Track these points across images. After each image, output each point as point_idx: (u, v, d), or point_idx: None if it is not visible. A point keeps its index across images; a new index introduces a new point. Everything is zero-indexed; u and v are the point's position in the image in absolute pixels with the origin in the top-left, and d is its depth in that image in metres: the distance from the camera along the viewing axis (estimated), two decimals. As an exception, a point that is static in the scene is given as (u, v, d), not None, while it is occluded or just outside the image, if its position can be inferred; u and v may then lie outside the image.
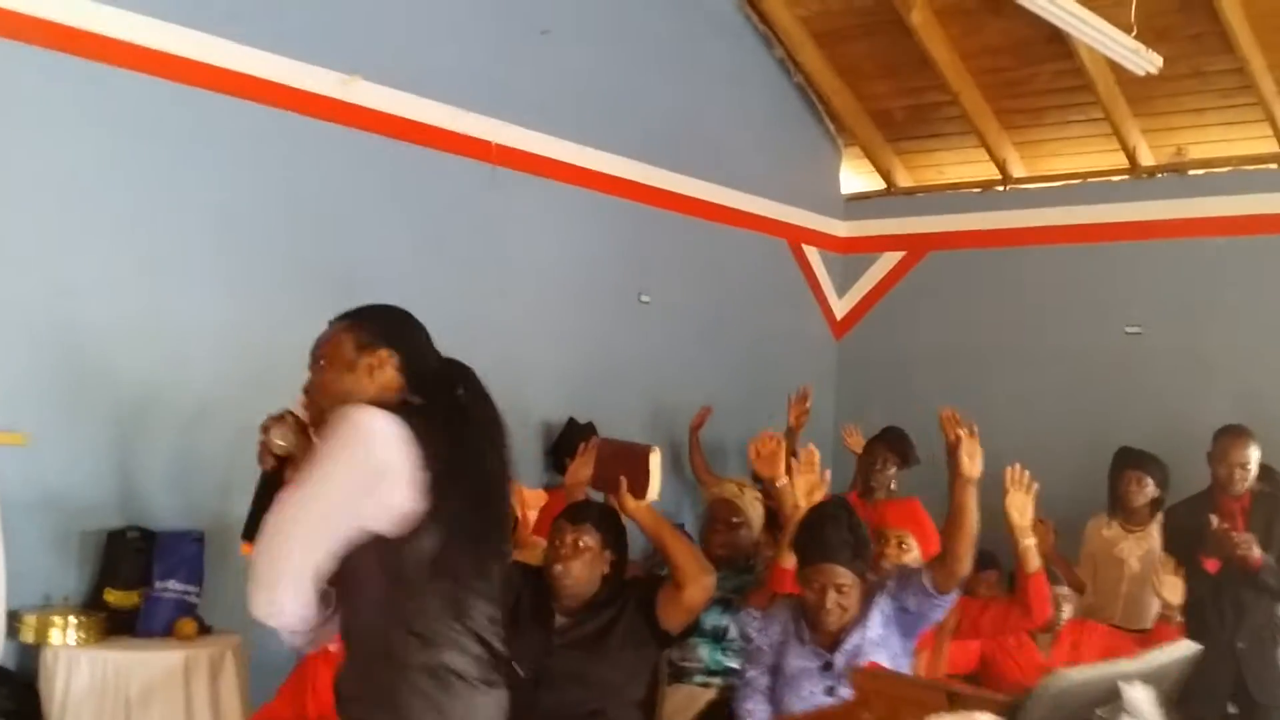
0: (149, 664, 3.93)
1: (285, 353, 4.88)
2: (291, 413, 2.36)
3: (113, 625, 4.13)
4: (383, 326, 2.42)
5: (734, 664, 3.58)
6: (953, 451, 3.23)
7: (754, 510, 4.01)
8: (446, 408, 2.30)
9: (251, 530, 2.25)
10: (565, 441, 5.85)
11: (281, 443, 2.33)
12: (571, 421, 5.96)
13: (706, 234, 7.00)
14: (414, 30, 5.52)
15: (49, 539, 4.23)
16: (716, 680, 3.63)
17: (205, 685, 3.99)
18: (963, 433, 3.23)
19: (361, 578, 2.12)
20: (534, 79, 6.01)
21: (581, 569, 3.10)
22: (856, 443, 5.99)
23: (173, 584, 4.22)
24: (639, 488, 3.03)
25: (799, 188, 7.68)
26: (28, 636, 3.99)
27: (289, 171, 5.07)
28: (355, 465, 2.12)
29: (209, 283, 4.79)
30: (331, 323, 2.47)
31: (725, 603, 3.62)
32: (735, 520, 3.97)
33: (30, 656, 4.02)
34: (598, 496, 3.47)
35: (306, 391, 2.38)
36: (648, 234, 6.67)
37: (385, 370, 2.34)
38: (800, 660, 3.06)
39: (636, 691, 3.09)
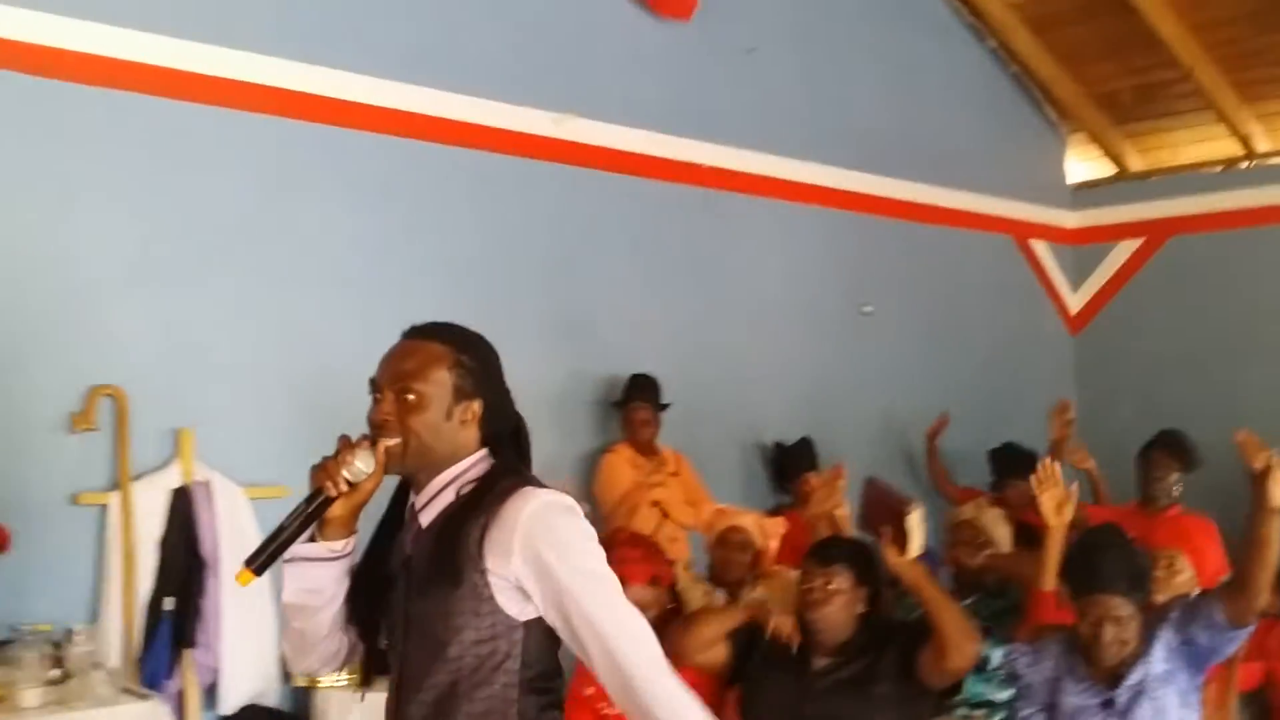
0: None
1: (520, 389, 5.08)
2: (377, 441, 1.98)
3: (377, 665, 4.27)
4: (482, 370, 2.07)
5: (997, 696, 3.43)
6: (1259, 480, 2.95)
7: (998, 529, 3.84)
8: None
9: (264, 560, 1.93)
10: (791, 461, 5.78)
11: (363, 468, 1.95)
12: (801, 441, 5.87)
13: (927, 238, 6.80)
14: (620, 62, 5.57)
15: (315, 585, 4.43)
16: (979, 713, 3.48)
17: (466, 724, 4.08)
18: (1273, 459, 2.94)
19: None
20: (742, 98, 5.98)
21: (835, 613, 3.02)
22: (1082, 459, 5.59)
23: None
24: (900, 541, 2.94)
25: (1022, 181, 7.38)
26: (300, 680, 4.19)
27: (509, 214, 5.19)
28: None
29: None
30: (418, 340, 2.08)
31: (984, 630, 3.47)
32: (980, 542, 3.81)
33: (303, 699, 4.23)
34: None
35: (381, 425, 1.99)
36: (866, 243, 6.53)
37: (471, 424, 2.04)
38: (1077, 698, 2.90)
39: (902, 734, 3.00)
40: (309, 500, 1.96)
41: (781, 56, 6.14)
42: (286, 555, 1.96)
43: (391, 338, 5.05)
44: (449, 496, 2.01)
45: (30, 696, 3.38)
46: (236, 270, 4.39)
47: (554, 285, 5.31)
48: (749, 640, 3.13)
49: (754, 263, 6.06)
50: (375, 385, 2.04)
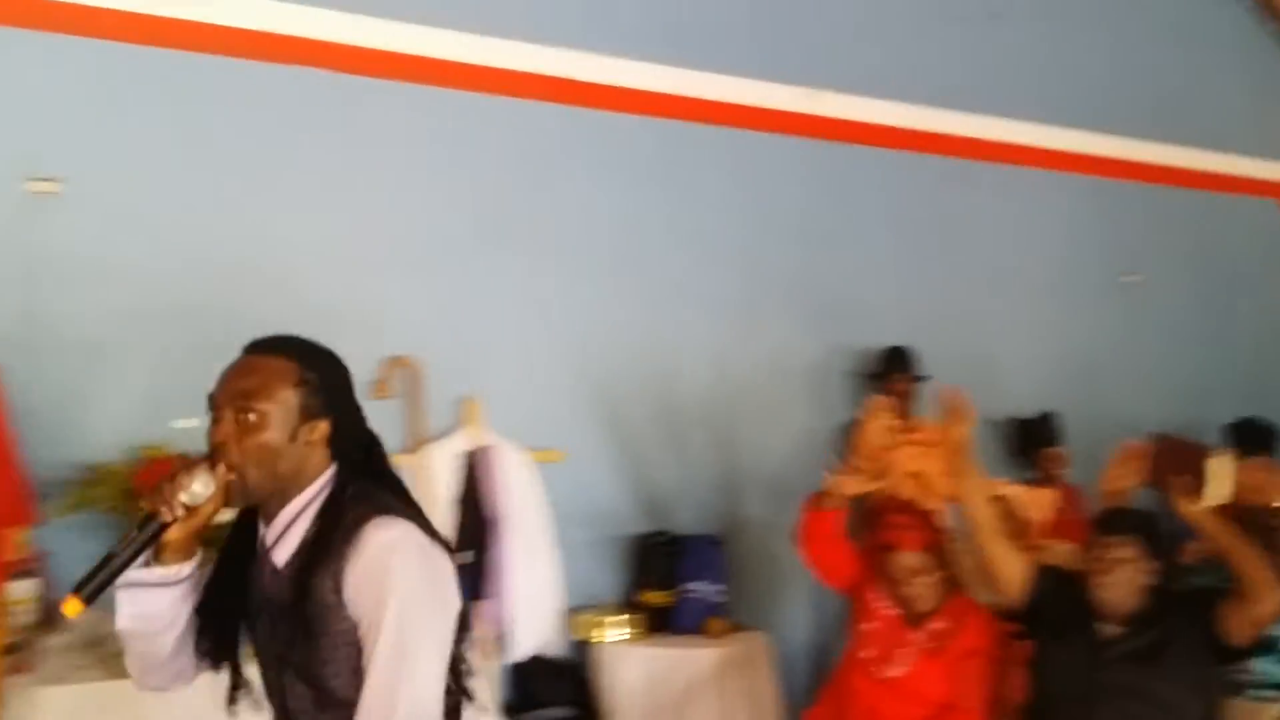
0: (690, 659, 4.24)
1: (771, 369, 5.21)
2: (218, 464, 1.85)
3: (652, 623, 4.49)
4: (330, 386, 1.94)
5: (1289, 676, 3.35)
6: None
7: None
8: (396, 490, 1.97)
9: (94, 588, 1.80)
10: (1032, 436, 5.68)
11: (201, 491, 1.83)
12: (1042, 415, 5.76)
13: (1190, 204, 6.54)
14: (868, 34, 5.57)
15: (591, 544, 4.68)
16: (1269, 693, 3.40)
17: (739, 680, 4.25)
18: None
19: None
20: (989, 64, 5.88)
21: (1121, 586, 3.00)
22: None
23: (701, 585, 4.52)
24: (1196, 489, 2.90)
25: (1284, 142, 6.99)
26: (580, 633, 4.43)
27: (764, 189, 5.29)
28: (448, 614, 1.87)
29: (702, 307, 5.08)
30: (261, 355, 1.95)
31: (1276, 611, 3.38)
32: (1275, 524, 3.69)
33: (584, 652, 4.47)
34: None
35: (218, 447, 1.87)
36: (1125, 210, 6.33)
37: (318, 445, 1.91)
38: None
39: (1198, 708, 2.96)
40: (143, 525, 1.85)
41: (1027, 20, 6.01)
42: (120, 581, 1.86)
43: (651, 311, 5.28)
44: (302, 526, 1.90)
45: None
46: (515, 248, 4.65)
47: (808, 259, 5.37)
48: (1047, 592, 3.14)
49: (1006, 232, 5.97)
50: (213, 403, 1.90)
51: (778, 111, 5.30)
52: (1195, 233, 6.60)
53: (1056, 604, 3.14)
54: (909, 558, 3.25)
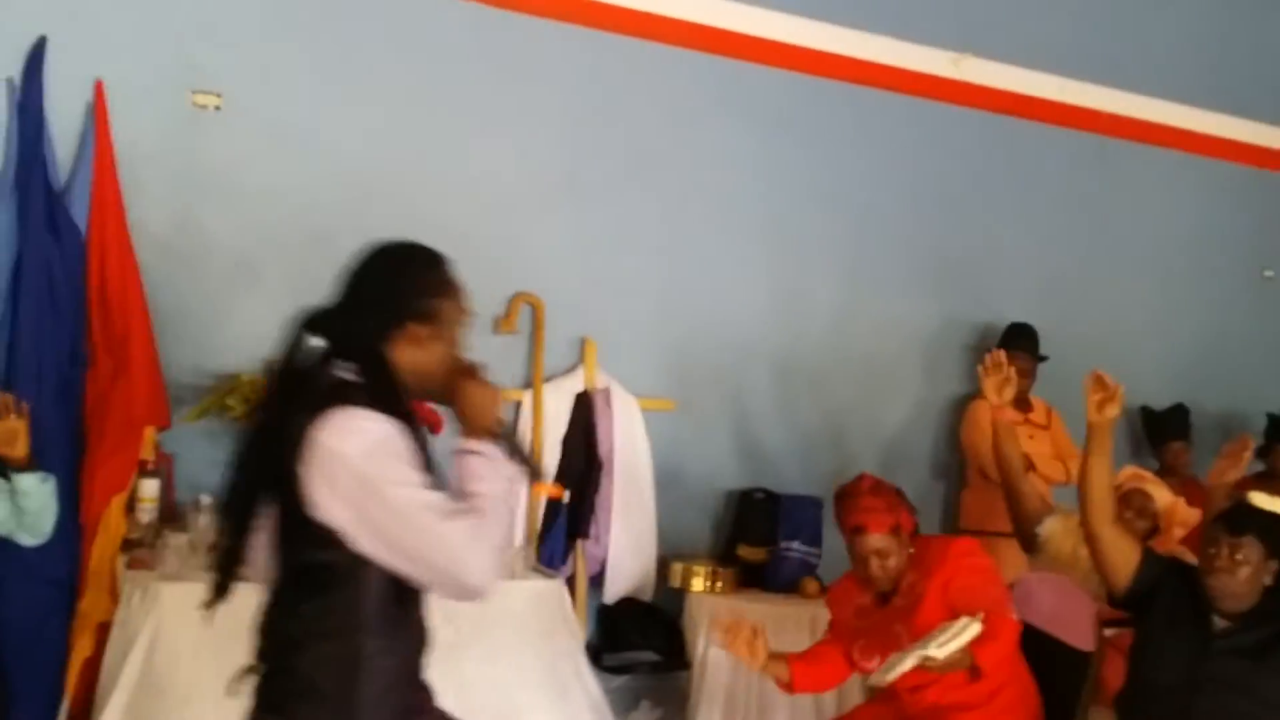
0: (780, 617, 4.25)
1: (890, 336, 5.15)
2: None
3: (744, 578, 4.53)
4: None
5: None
6: None
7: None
8: None
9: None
10: (1161, 428, 5.55)
11: None
12: (1175, 407, 5.61)
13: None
14: (1021, 2, 5.42)
15: (692, 496, 4.72)
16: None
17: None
18: None
19: None
20: (1146, 41, 5.70)
21: (1239, 584, 2.92)
22: None
23: (797, 545, 4.55)
24: None
25: None
26: (675, 582, 4.49)
27: (900, 154, 5.22)
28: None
29: (827, 268, 5.06)
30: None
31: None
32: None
33: (676, 600, 4.52)
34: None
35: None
36: (1272, 202, 6.09)
37: None
38: None
39: (1304, 709, 2.89)
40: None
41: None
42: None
43: (775, 267, 5.25)
44: None
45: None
46: (642, 193, 4.68)
47: (937, 228, 5.30)
48: (1158, 582, 3.09)
49: (1145, 216, 5.80)
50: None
51: (920, 74, 5.22)
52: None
53: (1169, 594, 3.08)
54: (875, 539, 3.20)
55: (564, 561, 4.31)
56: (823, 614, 4.30)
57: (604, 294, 4.59)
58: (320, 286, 4.01)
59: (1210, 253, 5.94)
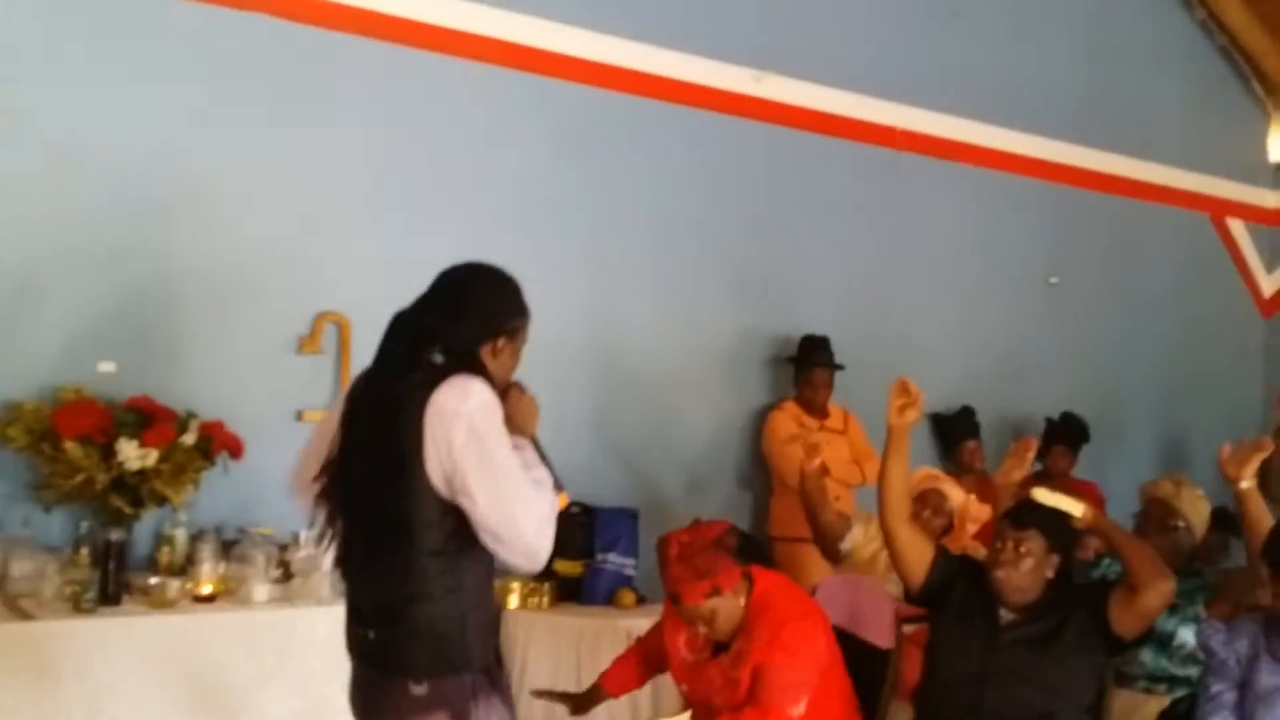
0: (597, 630, 4.27)
1: (702, 342, 5.24)
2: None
3: (561, 592, 4.53)
4: None
5: (1179, 671, 3.45)
6: None
7: (1194, 511, 3.81)
8: None
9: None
10: (952, 429, 5.81)
11: None
12: (962, 409, 5.89)
13: (1120, 211, 6.70)
14: (821, 21, 5.62)
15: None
16: (1160, 687, 3.51)
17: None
18: None
19: None
20: (941, 61, 5.96)
21: (1024, 576, 3.08)
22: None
23: (613, 557, 4.57)
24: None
25: (1222, 157, 7.17)
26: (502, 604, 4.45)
27: (705, 169, 5.33)
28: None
29: (635, 282, 5.11)
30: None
31: (1171, 607, 3.48)
32: (1171, 523, 3.79)
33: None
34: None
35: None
36: (1057, 213, 6.46)
37: None
38: (1274, 677, 2.91)
39: (1085, 696, 3.04)
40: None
41: (984, 20, 6.10)
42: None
43: (588, 282, 5.25)
44: None
45: (259, 592, 3.69)
46: (450, 209, 4.63)
47: (740, 239, 5.43)
48: (951, 579, 3.21)
49: (939, 228, 6.06)
50: None
51: (723, 91, 5.34)
52: (1125, 240, 6.76)
53: (960, 590, 3.22)
54: (694, 610, 2.99)
55: (378, 584, 4.22)
56: (639, 626, 4.35)
57: (414, 311, 4.52)
58: (113, 307, 3.91)
59: (1000, 261, 6.25)
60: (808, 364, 5.32)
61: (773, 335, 5.50)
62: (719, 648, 3.08)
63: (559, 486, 2.37)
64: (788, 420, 5.24)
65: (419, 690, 2.30)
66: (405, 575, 2.29)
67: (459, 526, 2.26)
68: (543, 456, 2.40)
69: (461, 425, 2.22)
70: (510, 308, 2.47)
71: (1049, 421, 5.92)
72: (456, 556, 2.28)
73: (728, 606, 3.00)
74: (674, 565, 3.00)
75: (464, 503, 2.23)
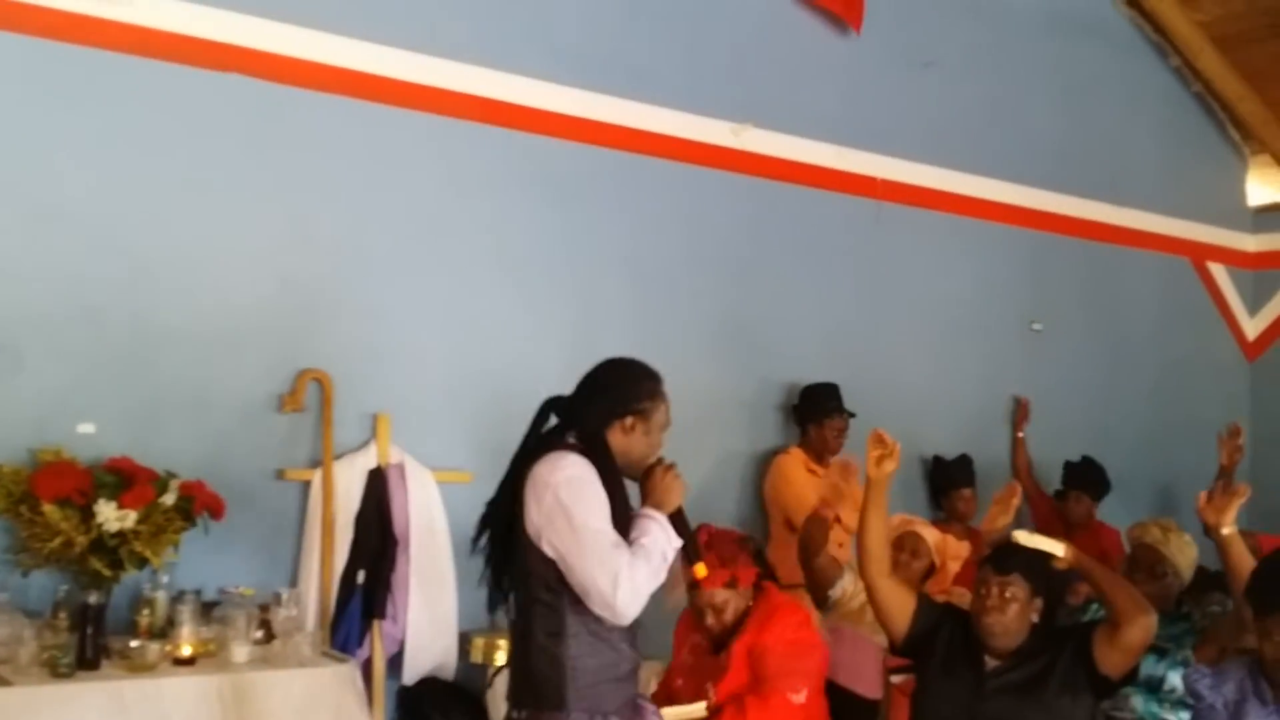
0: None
1: (693, 397, 5.22)
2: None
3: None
4: None
5: (1170, 716, 3.43)
6: None
7: (1183, 556, 3.81)
8: None
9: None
10: (948, 477, 5.79)
11: None
12: (960, 457, 5.87)
13: (1101, 256, 6.73)
14: (798, 74, 5.67)
15: (492, 567, 4.65)
16: (1153, 732, 3.49)
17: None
18: None
19: None
20: (917, 112, 6.02)
21: (1009, 620, 3.07)
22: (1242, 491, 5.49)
23: (600, 612, 4.52)
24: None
25: (1201, 202, 7.23)
26: (476, 657, 4.41)
27: (687, 220, 5.34)
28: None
29: (620, 334, 5.06)
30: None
31: (1160, 651, 3.47)
32: (1160, 570, 3.78)
33: (478, 675, 4.44)
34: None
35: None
36: (1038, 260, 6.49)
37: None
38: (1262, 721, 2.89)
39: (1075, 741, 3.03)
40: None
41: (959, 71, 6.16)
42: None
43: (569, 334, 5.27)
44: None
45: (240, 653, 3.64)
46: (432, 266, 4.64)
47: (723, 289, 5.43)
48: (934, 628, 3.19)
49: (922, 277, 6.08)
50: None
51: (702, 144, 5.37)
52: (1107, 285, 6.79)
53: (945, 638, 3.20)
54: (709, 594, 3.36)
55: (360, 644, 4.18)
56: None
57: (395, 367, 4.52)
58: (92, 368, 3.90)
59: (983, 308, 6.27)
60: (822, 412, 5.30)
61: (764, 382, 5.49)
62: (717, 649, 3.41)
63: (693, 557, 2.76)
64: (799, 465, 5.22)
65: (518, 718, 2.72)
66: (519, 616, 2.74)
67: (558, 580, 2.62)
68: (682, 528, 2.72)
69: (550, 493, 2.62)
70: (637, 392, 2.82)
71: (1068, 465, 5.89)
72: (555, 605, 2.63)
73: (737, 602, 3.37)
74: (703, 550, 3.23)
75: (557, 561, 2.61)
